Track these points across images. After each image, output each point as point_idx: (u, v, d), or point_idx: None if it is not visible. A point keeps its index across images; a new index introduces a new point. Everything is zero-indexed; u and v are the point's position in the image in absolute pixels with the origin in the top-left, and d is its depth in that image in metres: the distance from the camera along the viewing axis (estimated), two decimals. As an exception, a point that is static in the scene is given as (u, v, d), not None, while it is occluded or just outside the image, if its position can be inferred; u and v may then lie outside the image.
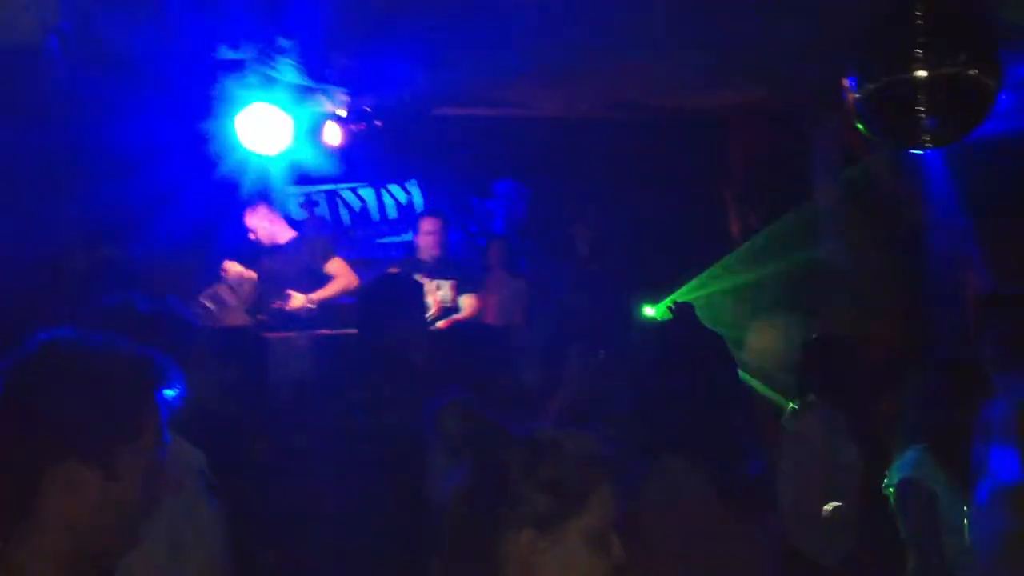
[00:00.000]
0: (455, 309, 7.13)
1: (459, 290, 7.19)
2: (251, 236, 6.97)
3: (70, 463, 1.65)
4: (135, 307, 2.77)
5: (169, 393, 1.81)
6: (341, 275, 6.87)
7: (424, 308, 5.08)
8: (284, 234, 7.09)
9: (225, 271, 6.72)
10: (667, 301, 7.32)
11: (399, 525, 4.14)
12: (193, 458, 2.70)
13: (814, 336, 5.18)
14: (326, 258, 6.93)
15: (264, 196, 7.07)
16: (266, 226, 6.98)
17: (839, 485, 4.41)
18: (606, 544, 1.89)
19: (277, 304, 6.62)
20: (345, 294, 6.85)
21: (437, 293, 7.09)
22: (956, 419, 3.55)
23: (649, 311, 7.51)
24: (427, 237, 7.16)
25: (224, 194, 6.91)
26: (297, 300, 6.64)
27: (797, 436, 4.64)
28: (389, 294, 4.54)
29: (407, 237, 8.71)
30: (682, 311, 4.20)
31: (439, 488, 3.00)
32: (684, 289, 7.56)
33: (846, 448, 4.54)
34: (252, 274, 6.80)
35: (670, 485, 2.95)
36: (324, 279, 6.96)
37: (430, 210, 8.07)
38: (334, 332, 6.61)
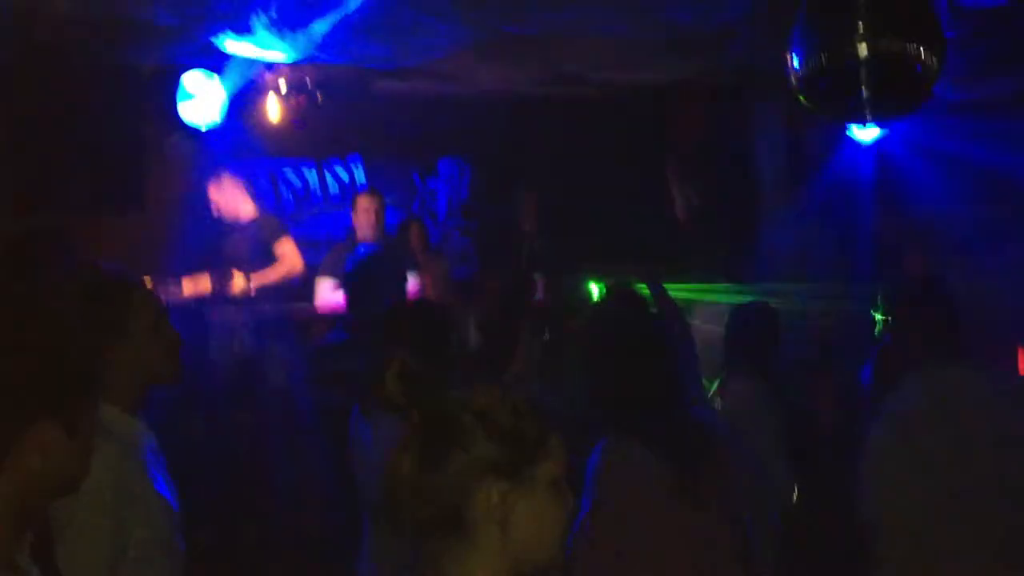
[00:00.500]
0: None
1: None
2: (214, 211, 6.72)
3: (41, 423, 1.62)
4: (104, 273, 2.70)
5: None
6: (287, 258, 6.62)
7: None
8: (246, 209, 6.82)
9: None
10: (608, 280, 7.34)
11: (343, 501, 4.11)
12: (144, 439, 2.61)
13: (737, 306, 5.21)
14: (276, 237, 6.72)
15: (230, 168, 6.82)
16: (228, 200, 6.73)
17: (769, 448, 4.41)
18: (565, 491, 1.88)
19: (218, 287, 6.43)
20: (288, 278, 6.66)
21: None
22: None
23: (593, 288, 7.52)
24: (365, 215, 7.00)
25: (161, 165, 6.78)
26: (238, 283, 6.44)
27: (726, 408, 4.62)
28: (382, 271, 4.52)
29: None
30: (624, 294, 4.21)
31: (378, 451, 2.95)
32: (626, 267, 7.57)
33: (775, 415, 4.55)
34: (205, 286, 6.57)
35: (624, 464, 2.93)
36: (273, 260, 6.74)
37: (366, 187, 7.96)
38: (278, 307, 6.53)
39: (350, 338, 4.63)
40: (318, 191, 8.77)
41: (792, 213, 7.54)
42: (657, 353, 3.15)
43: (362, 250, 5.22)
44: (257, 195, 8.29)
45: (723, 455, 3.04)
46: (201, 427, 5.87)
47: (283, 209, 8.58)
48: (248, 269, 6.51)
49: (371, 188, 7.63)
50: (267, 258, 6.61)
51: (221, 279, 6.39)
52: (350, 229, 7.32)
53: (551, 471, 1.86)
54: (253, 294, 6.44)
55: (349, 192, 8.53)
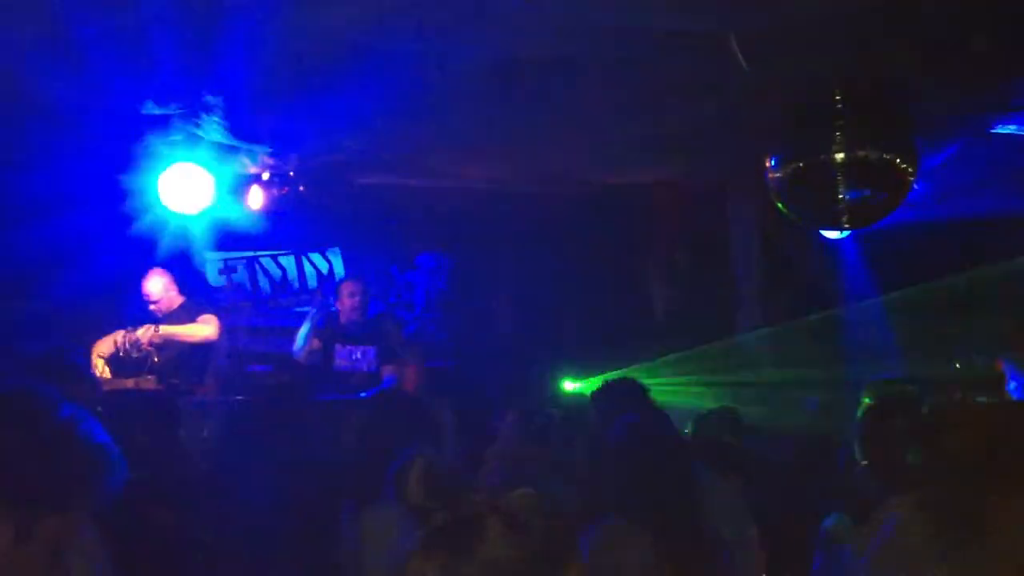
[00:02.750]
0: (378, 378, 7.02)
1: (380, 358, 7.10)
2: (151, 305, 6.74)
3: (56, 516, 1.57)
4: (65, 358, 2.67)
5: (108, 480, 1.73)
6: (204, 324, 6.69)
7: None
8: (177, 300, 6.85)
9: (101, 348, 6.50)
10: (592, 376, 7.35)
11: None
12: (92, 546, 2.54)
13: (711, 409, 5.23)
14: (200, 313, 6.76)
15: (163, 262, 6.88)
16: (161, 293, 6.77)
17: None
18: None
19: (125, 338, 6.39)
20: (199, 339, 6.66)
21: (358, 358, 7.00)
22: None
23: (569, 385, 7.53)
24: (350, 299, 7.08)
25: (139, 251, 6.76)
26: (146, 332, 6.41)
27: None
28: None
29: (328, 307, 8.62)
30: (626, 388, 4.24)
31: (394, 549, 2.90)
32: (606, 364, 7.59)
33: (745, 520, 4.53)
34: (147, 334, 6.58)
35: (615, 547, 2.92)
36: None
37: (352, 274, 7.99)
38: (251, 398, 6.45)
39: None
40: (296, 280, 8.78)
41: (766, 310, 7.59)
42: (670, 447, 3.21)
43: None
44: (232, 283, 8.34)
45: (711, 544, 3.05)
46: (171, 518, 5.73)
47: (259, 296, 8.58)
48: (165, 354, 6.51)
49: (357, 275, 7.69)
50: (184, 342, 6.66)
51: (128, 332, 6.38)
52: (333, 314, 7.34)
53: (578, 572, 1.81)
54: (159, 341, 6.39)
55: (327, 282, 8.54)
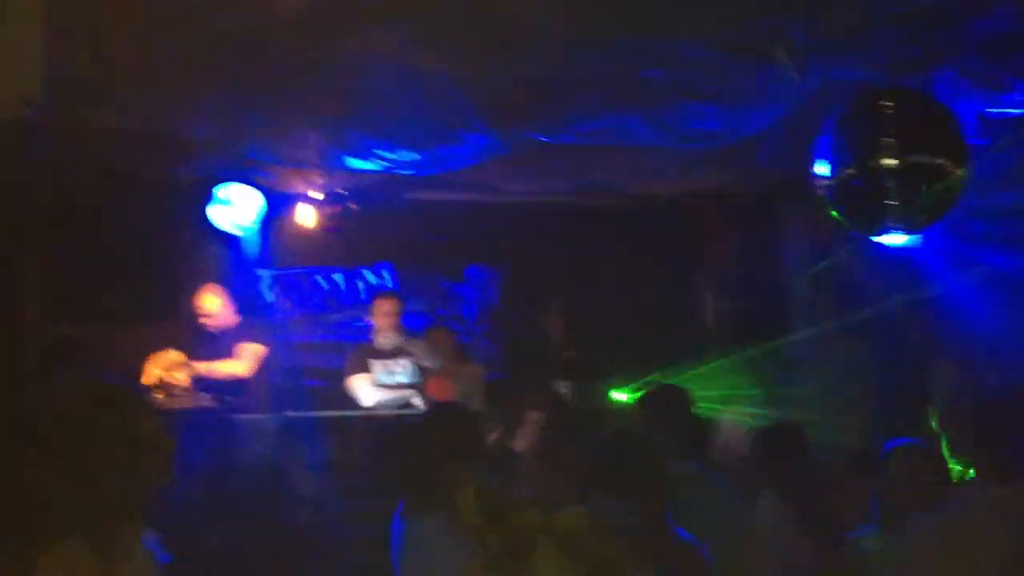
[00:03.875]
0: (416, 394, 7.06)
1: (417, 374, 7.13)
2: (205, 319, 6.85)
3: (68, 541, 1.60)
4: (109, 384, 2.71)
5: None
6: (239, 358, 6.79)
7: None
8: (232, 317, 6.99)
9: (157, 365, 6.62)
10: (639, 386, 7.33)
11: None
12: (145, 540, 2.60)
13: (766, 426, 5.17)
14: (242, 340, 6.86)
15: (219, 278, 6.98)
16: (217, 310, 6.87)
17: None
18: None
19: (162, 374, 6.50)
20: (232, 376, 6.74)
21: (397, 377, 7.04)
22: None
23: (618, 395, 7.50)
24: (386, 318, 7.09)
25: (193, 274, 6.87)
26: (180, 371, 6.51)
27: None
28: None
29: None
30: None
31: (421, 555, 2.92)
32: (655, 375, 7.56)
33: (797, 541, 4.47)
34: (180, 356, 6.69)
35: None
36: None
37: (386, 290, 8.00)
38: (304, 414, 6.53)
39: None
40: (347, 296, 8.84)
41: (821, 321, 7.51)
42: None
43: None
44: (283, 299, 8.43)
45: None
46: (225, 533, 5.81)
47: (310, 312, 8.65)
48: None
49: (392, 290, 7.70)
50: (231, 358, 6.76)
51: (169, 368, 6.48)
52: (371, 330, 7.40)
53: None
54: (190, 381, 6.48)
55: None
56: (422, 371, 7.16)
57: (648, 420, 4.61)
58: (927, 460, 3.84)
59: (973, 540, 2.97)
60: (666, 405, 4.63)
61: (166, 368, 6.55)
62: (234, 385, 6.78)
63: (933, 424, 4.63)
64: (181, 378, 6.51)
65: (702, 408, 6.67)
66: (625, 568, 1.85)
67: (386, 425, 6.21)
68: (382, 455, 4.55)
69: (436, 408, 5.92)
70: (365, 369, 7.00)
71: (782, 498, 4.50)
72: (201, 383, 6.60)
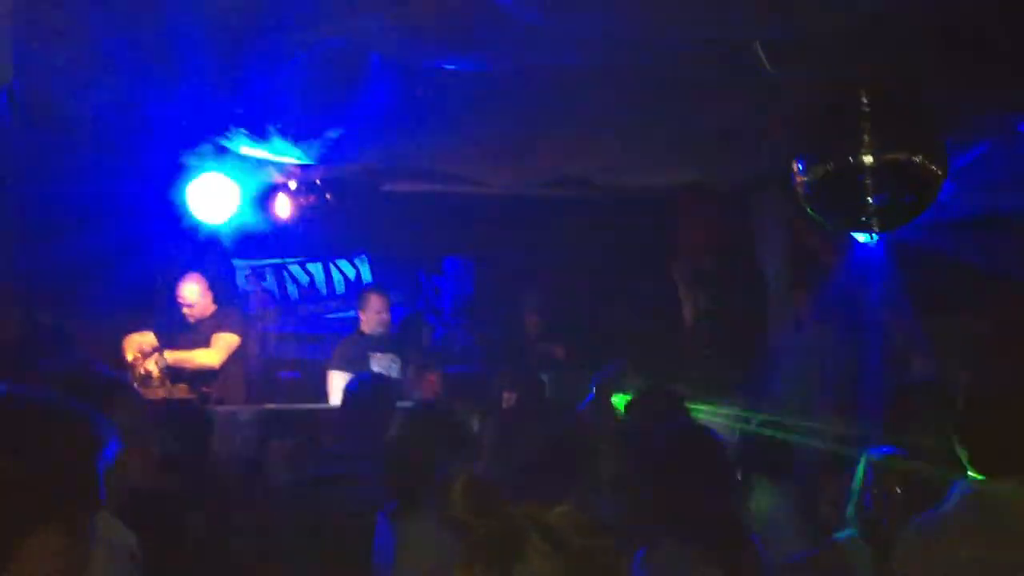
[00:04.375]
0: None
1: (410, 365, 7.17)
2: (184, 308, 6.87)
3: (44, 528, 1.60)
4: (92, 372, 2.72)
5: (108, 452, 1.76)
6: (213, 348, 6.83)
7: None
8: (210, 308, 7.04)
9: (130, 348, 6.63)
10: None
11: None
12: (124, 539, 2.61)
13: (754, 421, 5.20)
14: (219, 329, 6.90)
15: (199, 267, 7.00)
16: (197, 298, 6.90)
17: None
18: None
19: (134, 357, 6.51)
20: (202, 366, 6.78)
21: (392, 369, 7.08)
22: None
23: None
24: (379, 315, 7.19)
25: (170, 263, 6.85)
26: (153, 361, 6.54)
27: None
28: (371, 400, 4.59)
29: (353, 312, 8.66)
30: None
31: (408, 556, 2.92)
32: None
33: (789, 527, 4.51)
34: (151, 340, 6.72)
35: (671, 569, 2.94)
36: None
37: (376, 286, 8.02)
38: (282, 407, 6.52)
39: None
40: (323, 288, 8.82)
41: (797, 317, 7.54)
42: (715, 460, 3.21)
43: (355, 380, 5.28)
44: (260, 290, 8.41)
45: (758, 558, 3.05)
46: (202, 527, 5.78)
47: (286, 303, 8.64)
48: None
49: (380, 286, 7.75)
50: (205, 346, 6.82)
51: (142, 353, 6.52)
52: (356, 323, 7.40)
53: None
54: (163, 367, 6.53)
55: (354, 289, 8.58)
56: (409, 367, 7.21)
57: (637, 423, 4.63)
58: (908, 471, 3.85)
59: (957, 542, 2.98)
60: (657, 407, 4.65)
61: (139, 351, 6.57)
62: (210, 376, 6.77)
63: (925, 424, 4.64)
64: (152, 366, 6.50)
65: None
66: (615, 563, 1.86)
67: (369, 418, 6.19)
68: (365, 448, 4.54)
69: (423, 404, 5.93)
70: (352, 363, 7.01)
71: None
72: (176, 373, 6.60)
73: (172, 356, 6.60)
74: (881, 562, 3.32)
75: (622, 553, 1.88)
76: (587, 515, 1.89)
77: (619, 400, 6.10)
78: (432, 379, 7.29)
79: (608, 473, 4.23)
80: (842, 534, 3.72)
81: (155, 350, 6.68)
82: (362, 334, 7.34)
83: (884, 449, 3.89)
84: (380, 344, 7.18)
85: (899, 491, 3.60)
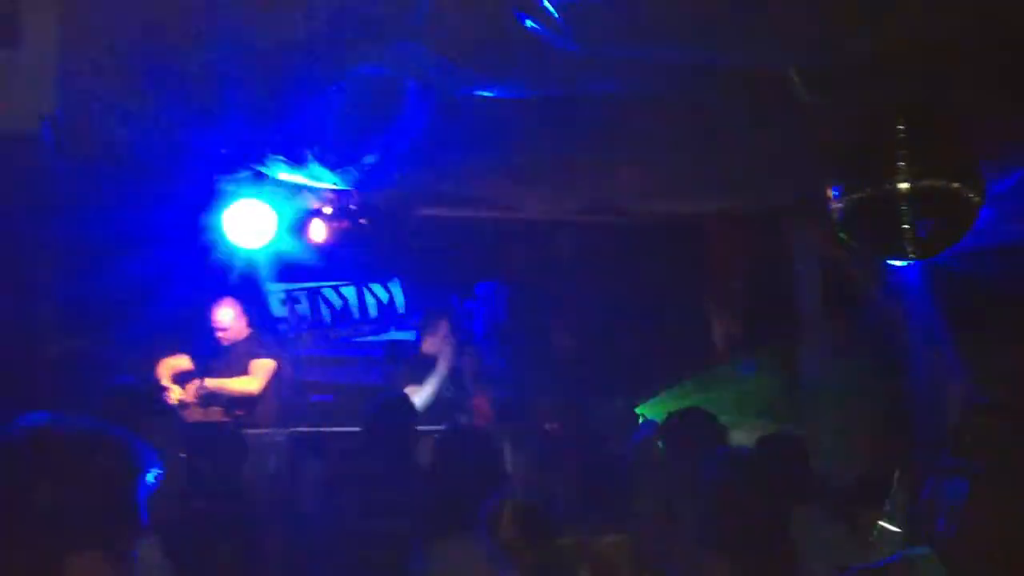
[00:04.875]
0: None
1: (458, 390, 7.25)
2: (219, 332, 6.97)
3: (91, 555, 1.61)
4: (134, 397, 2.76)
5: (150, 479, 1.77)
6: (252, 375, 6.88)
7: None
8: (244, 332, 7.15)
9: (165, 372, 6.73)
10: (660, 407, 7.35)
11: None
12: (148, 555, 2.64)
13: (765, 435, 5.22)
14: (252, 357, 6.94)
15: (234, 292, 7.09)
16: (231, 323, 7.00)
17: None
18: None
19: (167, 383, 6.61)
20: (242, 393, 6.84)
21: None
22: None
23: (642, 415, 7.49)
24: (443, 338, 7.26)
25: (206, 288, 6.92)
26: (191, 388, 6.63)
27: None
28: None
29: (386, 336, 8.71)
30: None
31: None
32: (665, 396, 7.56)
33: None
34: (186, 363, 6.82)
35: None
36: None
37: (443, 309, 8.11)
38: (314, 429, 6.54)
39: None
40: (356, 311, 8.86)
41: (830, 344, 7.49)
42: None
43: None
44: (294, 314, 8.47)
45: None
46: (233, 548, 5.81)
47: (320, 327, 8.68)
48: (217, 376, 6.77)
49: (445, 309, 7.91)
50: (245, 373, 6.90)
51: (178, 378, 6.64)
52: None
53: None
54: (202, 394, 6.65)
55: (387, 312, 8.63)
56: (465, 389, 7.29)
57: (674, 446, 4.63)
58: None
59: None
60: (691, 429, 4.66)
61: (173, 373, 6.66)
62: (244, 399, 6.82)
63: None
64: (189, 390, 6.58)
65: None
66: None
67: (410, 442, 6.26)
68: (405, 473, 4.56)
69: (468, 428, 5.96)
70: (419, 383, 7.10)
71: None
72: (211, 397, 6.67)
73: (212, 383, 6.70)
74: None
75: None
76: (637, 546, 1.90)
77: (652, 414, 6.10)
78: (480, 403, 7.35)
79: (659, 503, 4.24)
80: (917, 549, 3.69)
81: (190, 374, 6.76)
82: (424, 355, 7.43)
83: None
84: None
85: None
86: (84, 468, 1.68)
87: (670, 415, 5.14)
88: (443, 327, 7.46)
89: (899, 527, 4.00)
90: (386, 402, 5.30)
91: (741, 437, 6.56)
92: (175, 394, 6.55)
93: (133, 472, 1.74)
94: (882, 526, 4.32)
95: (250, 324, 7.13)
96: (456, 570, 3.33)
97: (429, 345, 7.43)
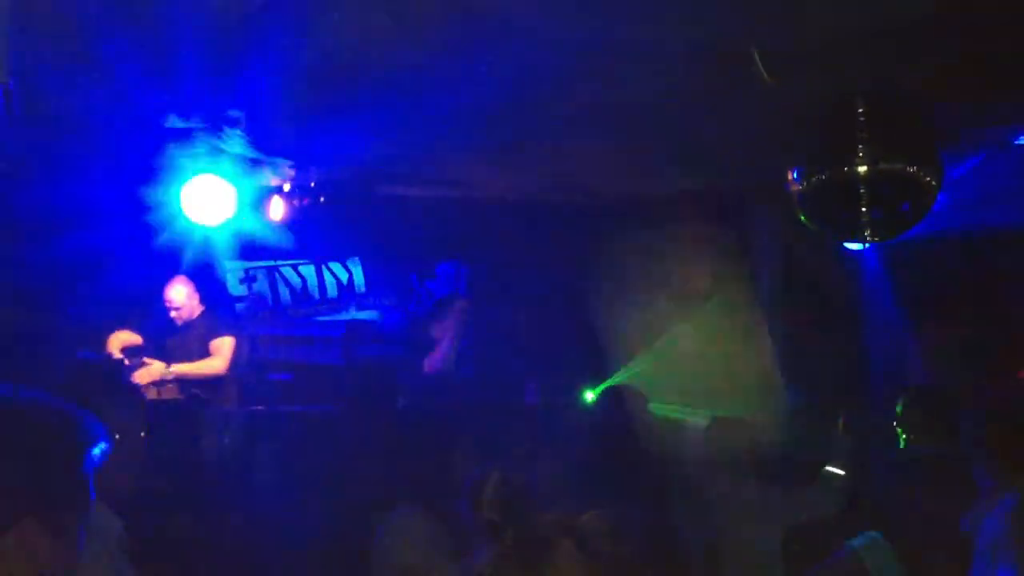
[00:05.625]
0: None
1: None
2: (172, 311, 6.86)
3: (25, 524, 1.58)
4: (87, 370, 2.73)
5: (96, 453, 1.74)
6: (216, 356, 6.83)
7: None
8: (198, 309, 7.03)
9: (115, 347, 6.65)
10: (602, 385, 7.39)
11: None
12: (111, 526, 2.62)
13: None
14: (213, 336, 6.90)
15: (186, 270, 6.99)
16: (184, 301, 6.90)
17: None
18: None
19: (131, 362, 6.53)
20: (210, 374, 6.78)
21: None
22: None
23: (589, 395, 7.51)
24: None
25: (162, 261, 6.83)
26: (155, 369, 6.54)
27: None
28: None
29: (346, 315, 8.66)
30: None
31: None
32: (622, 373, 7.60)
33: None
34: (135, 339, 6.75)
35: None
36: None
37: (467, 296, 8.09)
38: (271, 408, 6.50)
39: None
40: (316, 290, 8.79)
41: (787, 323, 7.55)
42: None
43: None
44: (252, 292, 8.40)
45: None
46: (189, 523, 5.78)
47: (279, 305, 8.61)
48: (180, 360, 6.68)
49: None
50: (203, 353, 6.79)
51: (134, 358, 6.54)
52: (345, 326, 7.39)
53: None
54: (170, 379, 6.57)
55: (347, 291, 8.58)
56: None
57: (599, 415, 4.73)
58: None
59: None
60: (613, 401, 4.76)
61: (125, 348, 6.58)
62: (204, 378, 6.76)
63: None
64: (152, 372, 6.49)
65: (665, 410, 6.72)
66: (642, 568, 1.89)
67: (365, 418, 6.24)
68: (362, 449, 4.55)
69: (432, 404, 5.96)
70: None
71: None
72: (178, 382, 6.59)
73: (179, 369, 6.60)
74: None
75: (648, 558, 1.92)
76: (615, 521, 1.92)
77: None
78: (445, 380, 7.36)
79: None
80: (863, 538, 3.74)
81: (143, 350, 6.68)
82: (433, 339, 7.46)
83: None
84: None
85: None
86: (26, 442, 1.65)
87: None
88: (453, 314, 7.46)
89: (843, 470, 4.13)
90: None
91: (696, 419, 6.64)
92: (132, 372, 6.47)
93: (79, 448, 1.71)
94: (827, 470, 4.44)
95: (203, 301, 7.03)
96: (414, 541, 3.34)
97: (439, 330, 7.44)
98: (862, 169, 5.16)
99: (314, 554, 5.11)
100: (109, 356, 6.43)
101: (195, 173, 6.17)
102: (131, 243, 6.48)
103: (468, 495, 2.92)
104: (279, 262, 8.59)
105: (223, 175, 6.26)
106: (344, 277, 8.81)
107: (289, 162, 6.17)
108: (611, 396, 5.27)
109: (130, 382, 6.22)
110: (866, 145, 5.13)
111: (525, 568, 1.83)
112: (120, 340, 6.72)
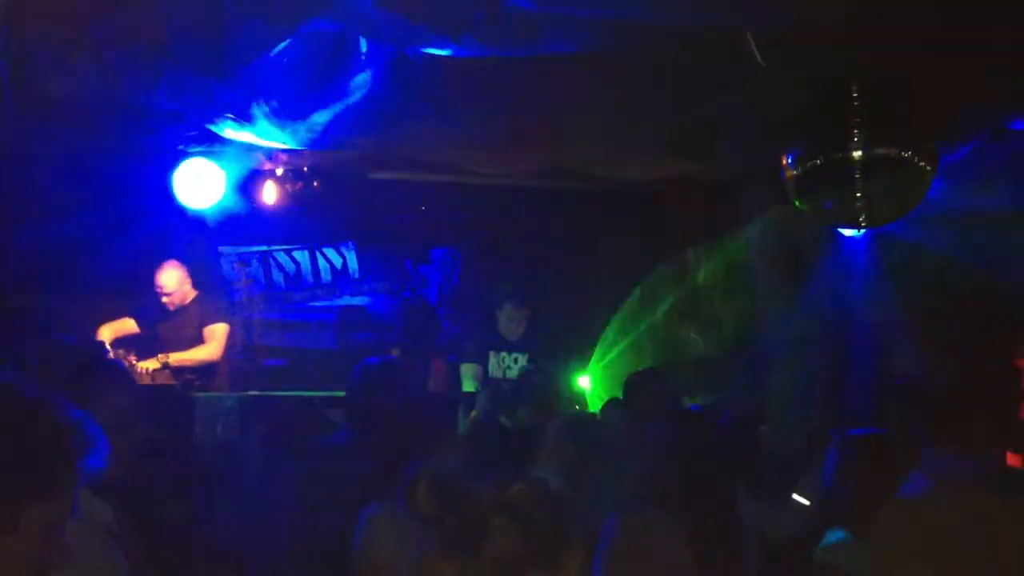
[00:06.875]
0: None
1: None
2: (163, 297, 6.83)
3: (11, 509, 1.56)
4: (77, 355, 2.71)
5: (90, 462, 1.72)
6: (209, 342, 6.82)
7: None
8: (190, 294, 6.99)
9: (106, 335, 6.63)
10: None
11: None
12: (99, 513, 2.60)
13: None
14: (206, 322, 6.88)
15: (177, 256, 6.96)
16: (175, 286, 6.86)
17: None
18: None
19: (128, 360, 6.48)
20: (206, 362, 6.78)
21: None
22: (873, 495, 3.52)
23: (582, 381, 7.52)
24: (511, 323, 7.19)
25: (153, 245, 6.81)
26: (150, 360, 6.52)
27: None
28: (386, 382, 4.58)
29: (341, 301, 8.64)
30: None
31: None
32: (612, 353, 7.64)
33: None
34: (132, 325, 6.73)
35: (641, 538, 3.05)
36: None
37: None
38: (264, 393, 6.48)
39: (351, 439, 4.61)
40: (309, 275, 8.77)
41: (783, 309, 7.54)
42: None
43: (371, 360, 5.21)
44: (246, 277, 8.38)
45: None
46: (185, 510, 5.76)
47: (272, 290, 8.59)
48: (175, 348, 6.65)
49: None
50: (196, 339, 6.78)
51: (127, 350, 6.51)
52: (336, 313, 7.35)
53: (579, 558, 1.95)
54: (168, 369, 6.56)
55: (341, 276, 8.56)
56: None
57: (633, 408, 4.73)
58: (888, 449, 3.83)
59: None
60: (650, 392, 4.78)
61: (118, 336, 6.56)
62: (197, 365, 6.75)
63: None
64: (147, 360, 6.48)
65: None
66: (570, 529, 1.94)
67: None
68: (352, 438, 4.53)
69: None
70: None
71: None
72: (174, 370, 6.58)
73: (175, 357, 6.58)
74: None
75: (575, 520, 1.99)
76: (541, 489, 1.99)
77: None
78: (439, 369, 7.33)
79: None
80: (830, 537, 3.71)
81: (136, 338, 6.66)
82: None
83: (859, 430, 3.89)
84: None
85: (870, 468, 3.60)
86: (5, 429, 1.63)
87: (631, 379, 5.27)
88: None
89: (809, 499, 4.05)
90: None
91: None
92: (123, 358, 6.45)
93: (61, 438, 1.69)
94: (794, 499, 4.37)
95: (195, 286, 7.00)
96: (390, 531, 3.34)
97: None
98: (857, 154, 5.16)
99: (305, 544, 5.11)
100: (94, 342, 6.39)
101: (187, 156, 6.15)
102: (122, 227, 6.45)
103: (403, 495, 2.96)
104: (273, 247, 8.57)
105: (215, 158, 6.23)
106: (338, 262, 8.79)
107: (282, 145, 6.13)
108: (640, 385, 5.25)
109: (122, 368, 6.20)
110: (860, 130, 5.13)
111: (467, 553, 1.90)
112: (114, 329, 6.69)
